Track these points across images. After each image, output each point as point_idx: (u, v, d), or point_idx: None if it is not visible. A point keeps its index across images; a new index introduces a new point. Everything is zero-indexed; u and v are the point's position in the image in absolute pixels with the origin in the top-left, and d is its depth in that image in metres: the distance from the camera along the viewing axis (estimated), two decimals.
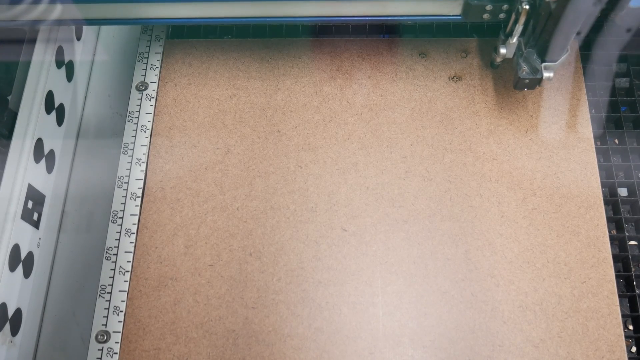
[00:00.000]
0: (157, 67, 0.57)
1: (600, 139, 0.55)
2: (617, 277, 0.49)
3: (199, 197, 0.51)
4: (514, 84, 0.51)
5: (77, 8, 0.46)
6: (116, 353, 0.46)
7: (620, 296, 0.48)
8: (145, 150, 0.53)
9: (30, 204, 0.50)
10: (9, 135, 0.48)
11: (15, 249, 0.48)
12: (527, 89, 0.52)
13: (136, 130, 0.54)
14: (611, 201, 0.52)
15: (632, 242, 0.51)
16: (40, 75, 0.52)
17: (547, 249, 0.49)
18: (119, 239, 0.50)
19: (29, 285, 0.50)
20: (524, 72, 0.48)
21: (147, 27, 0.59)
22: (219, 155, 0.53)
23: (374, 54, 0.57)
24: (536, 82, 0.49)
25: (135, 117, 0.55)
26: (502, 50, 0.50)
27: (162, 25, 0.59)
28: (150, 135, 0.54)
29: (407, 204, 0.51)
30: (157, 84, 0.56)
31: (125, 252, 0.49)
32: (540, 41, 0.47)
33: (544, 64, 0.48)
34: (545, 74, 0.48)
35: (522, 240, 0.49)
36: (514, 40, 0.48)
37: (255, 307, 0.47)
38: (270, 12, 0.49)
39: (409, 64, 0.57)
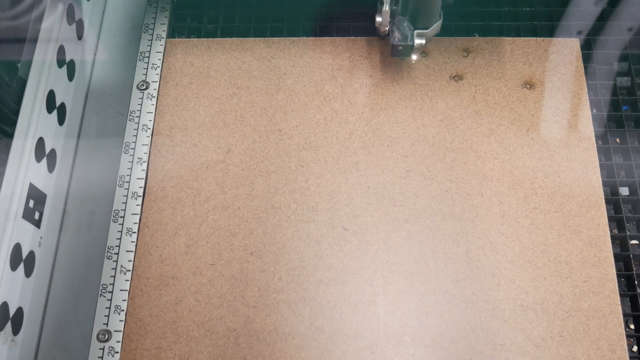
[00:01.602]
0: (158, 67, 0.57)
1: (601, 138, 0.55)
2: (618, 276, 0.49)
3: (200, 197, 0.51)
4: (390, 51, 0.52)
5: None
6: (117, 352, 0.46)
7: (621, 295, 0.48)
8: (146, 149, 0.53)
9: (31, 203, 0.50)
10: (11, 134, 0.48)
11: (17, 248, 0.48)
12: (403, 57, 0.53)
13: (137, 129, 0.54)
14: (612, 200, 0.52)
15: (634, 242, 0.51)
16: (42, 74, 0.52)
17: (548, 248, 0.49)
18: (120, 238, 0.50)
19: (30, 285, 0.50)
20: (396, 39, 0.50)
21: (148, 26, 0.59)
22: (220, 154, 0.53)
23: (375, 53, 0.57)
24: (409, 49, 0.50)
25: (137, 117, 0.55)
26: (378, 19, 0.51)
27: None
28: (152, 135, 0.54)
29: (408, 203, 0.50)
30: (158, 83, 0.56)
31: (127, 251, 0.50)
32: (410, 9, 0.48)
33: (416, 31, 0.50)
34: (417, 41, 0.49)
35: (523, 239, 0.49)
36: (386, 7, 0.49)
37: (256, 306, 0.47)
38: None
39: (410, 63, 0.57)
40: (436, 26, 0.49)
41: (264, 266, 0.49)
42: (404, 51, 0.51)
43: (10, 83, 0.49)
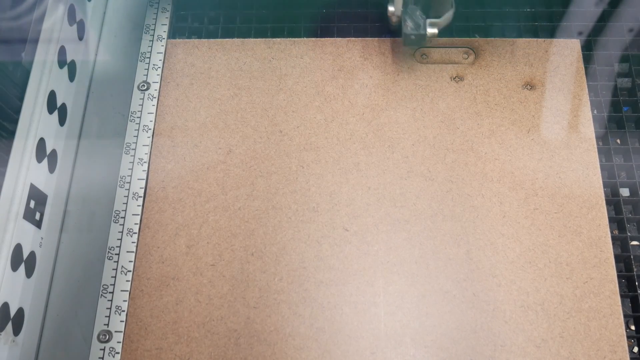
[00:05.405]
0: (159, 67, 0.57)
1: (602, 139, 0.55)
2: (619, 277, 0.49)
3: (200, 197, 0.51)
4: (402, 40, 0.52)
5: None
6: (118, 353, 0.46)
7: (622, 296, 0.48)
8: (147, 150, 0.53)
9: (32, 204, 0.50)
10: (12, 134, 0.49)
11: (18, 248, 0.48)
12: (415, 46, 0.53)
13: (138, 130, 0.54)
14: (613, 201, 0.52)
15: (634, 242, 0.51)
16: (43, 75, 0.52)
17: (548, 249, 0.49)
18: (120, 239, 0.50)
19: (31, 285, 0.50)
20: (408, 28, 0.50)
21: (149, 27, 0.59)
22: (220, 155, 0.53)
23: (376, 54, 0.57)
24: (421, 38, 0.50)
25: (137, 117, 0.55)
26: (390, 8, 0.50)
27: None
28: (152, 135, 0.54)
29: (408, 203, 0.51)
30: (159, 83, 0.56)
31: (127, 251, 0.50)
32: None
33: (429, 20, 0.49)
34: (430, 30, 0.49)
35: (523, 240, 0.49)
36: None
37: (257, 306, 0.47)
38: None
39: (411, 64, 0.57)
40: (448, 15, 0.49)
41: (264, 267, 0.49)
42: (416, 40, 0.50)
43: (11, 84, 0.49)
